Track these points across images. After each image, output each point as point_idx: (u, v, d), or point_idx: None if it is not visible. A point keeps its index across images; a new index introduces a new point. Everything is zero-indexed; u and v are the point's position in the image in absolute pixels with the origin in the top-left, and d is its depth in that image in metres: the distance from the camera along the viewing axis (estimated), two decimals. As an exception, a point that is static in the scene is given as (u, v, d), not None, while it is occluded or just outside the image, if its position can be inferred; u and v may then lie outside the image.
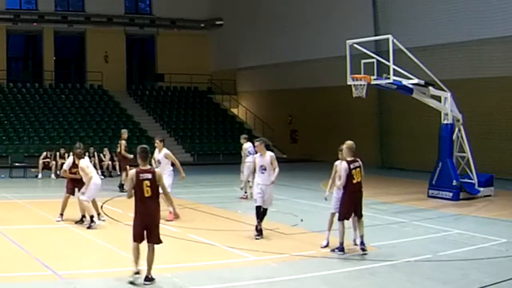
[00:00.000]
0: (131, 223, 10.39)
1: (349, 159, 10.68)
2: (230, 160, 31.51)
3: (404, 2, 27.71)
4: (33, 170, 23.76)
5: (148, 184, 8.64)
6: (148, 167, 8.86)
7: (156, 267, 9.50)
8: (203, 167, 29.17)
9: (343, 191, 10.78)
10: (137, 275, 8.74)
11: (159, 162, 14.10)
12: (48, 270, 9.26)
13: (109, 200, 17.10)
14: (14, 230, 12.38)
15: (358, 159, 10.81)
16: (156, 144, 14.39)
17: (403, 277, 9.44)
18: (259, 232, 12.06)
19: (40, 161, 23.76)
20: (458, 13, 24.84)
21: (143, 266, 8.77)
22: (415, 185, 20.94)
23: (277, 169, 12.10)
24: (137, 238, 8.77)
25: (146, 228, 8.73)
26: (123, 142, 19.57)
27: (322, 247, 11.17)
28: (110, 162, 24.76)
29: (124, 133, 20.22)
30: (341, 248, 10.76)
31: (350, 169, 10.61)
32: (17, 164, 24.58)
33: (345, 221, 10.88)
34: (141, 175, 8.68)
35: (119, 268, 9.59)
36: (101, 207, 15.81)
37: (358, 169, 10.74)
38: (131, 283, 8.63)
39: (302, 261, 10.41)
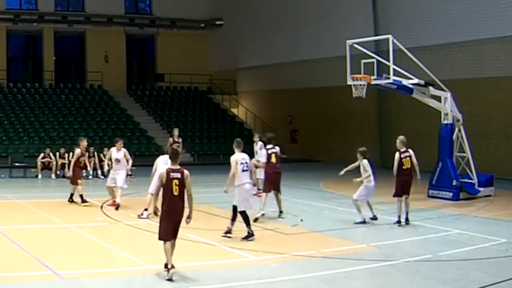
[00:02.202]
0: (131, 223, 10.40)
1: (401, 150, 13.68)
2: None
3: (404, 2, 27.70)
4: (33, 170, 23.78)
5: (177, 183, 9.00)
6: (178, 167, 9.19)
7: (157, 267, 9.52)
8: (203, 167, 29.14)
9: (396, 175, 13.71)
10: (173, 270, 8.97)
11: (117, 160, 15.85)
12: (48, 270, 9.26)
13: (109, 200, 17.10)
14: (14, 230, 12.38)
15: (409, 150, 13.72)
16: (116, 145, 16.09)
17: (403, 277, 9.44)
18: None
19: (38, 162, 23.75)
20: (458, 13, 24.83)
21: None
22: (415, 185, 20.88)
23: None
24: (168, 237, 9.07)
25: (175, 225, 9.10)
26: (170, 140, 20.61)
27: (370, 218, 13.75)
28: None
29: (175, 130, 21.24)
30: (398, 221, 13.51)
31: (401, 158, 13.61)
32: (17, 164, 24.58)
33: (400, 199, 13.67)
34: (171, 174, 9.04)
35: (119, 268, 9.60)
36: (101, 207, 15.84)
37: (408, 158, 13.67)
38: (169, 280, 8.86)
39: (302, 261, 10.41)
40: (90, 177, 23.94)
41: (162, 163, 14.36)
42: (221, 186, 18.27)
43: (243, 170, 11.94)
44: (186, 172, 9.19)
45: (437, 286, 9.01)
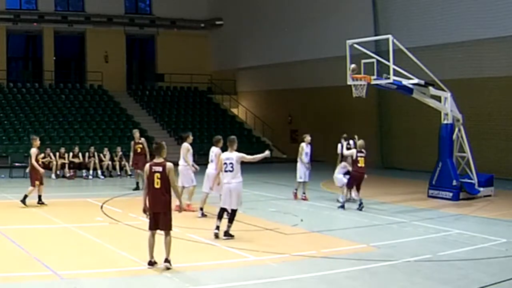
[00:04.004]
0: (131, 223, 10.42)
1: (358, 149, 15.84)
2: (230, 160, 31.42)
3: (404, 2, 27.69)
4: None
5: (159, 176, 9.36)
6: (161, 160, 9.50)
7: (156, 267, 9.52)
8: (203, 167, 29.13)
9: (352, 169, 16.03)
10: (150, 266, 9.37)
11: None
12: (48, 270, 9.25)
13: (109, 200, 17.10)
14: (14, 230, 12.37)
15: (364, 151, 15.77)
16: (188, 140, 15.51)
17: (403, 277, 9.43)
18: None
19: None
20: (458, 13, 24.84)
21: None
22: (415, 185, 20.94)
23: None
24: (150, 226, 9.47)
25: (157, 215, 9.40)
26: (132, 143, 20.62)
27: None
28: (110, 162, 24.74)
29: (135, 131, 21.15)
30: (343, 205, 15.98)
31: (357, 156, 15.70)
32: (17, 164, 24.56)
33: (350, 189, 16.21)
34: (153, 167, 9.46)
35: (119, 268, 9.60)
36: (101, 207, 15.83)
37: (362, 158, 15.66)
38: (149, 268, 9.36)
39: (302, 261, 10.41)
40: (90, 177, 23.95)
41: (214, 156, 14.37)
42: (221, 186, 18.40)
43: (225, 170, 11.93)
44: (168, 165, 9.44)
45: (437, 286, 9.01)
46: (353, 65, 17.36)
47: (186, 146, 15.49)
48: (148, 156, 19.78)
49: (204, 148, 33.19)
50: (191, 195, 15.38)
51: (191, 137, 15.61)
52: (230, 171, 11.85)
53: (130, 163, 21.34)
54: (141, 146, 20.20)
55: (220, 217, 12.02)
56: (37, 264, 9.67)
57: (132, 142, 20.75)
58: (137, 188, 19.29)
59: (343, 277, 9.43)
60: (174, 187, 9.56)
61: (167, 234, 9.44)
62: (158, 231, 9.54)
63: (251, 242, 11.74)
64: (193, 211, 14.72)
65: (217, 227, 11.95)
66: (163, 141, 10.10)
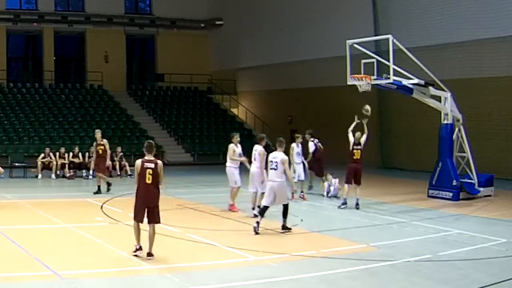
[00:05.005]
0: (132, 223, 10.42)
1: (356, 142, 16.28)
2: (230, 160, 31.42)
3: (404, 2, 27.68)
4: (33, 170, 23.76)
5: (150, 172, 10.01)
6: (152, 158, 10.16)
7: (156, 267, 9.53)
8: (203, 167, 29.16)
9: (347, 163, 16.15)
10: (139, 251, 10.03)
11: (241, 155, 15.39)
12: (48, 270, 9.25)
13: (109, 200, 17.11)
14: (14, 230, 12.37)
15: (360, 144, 16.27)
16: (233, 140, 15.29)
17: (403, 277, 9.43)
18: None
19: (39, 162, 23.75)
20: (458, 13, 24.84)
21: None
22: (415, 185, 20.94)
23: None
24: (138, 217, 10.08)
25: (147, 208, 10.01)
26: (95, 144, 19.82)
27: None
28: (110, 162, 24.67)
29: (97, 132, 20.04)
30: (344, 203, 15.98)
31: (353, 148, 16.16)
32: (17, 164, 24.56)
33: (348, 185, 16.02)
34: (145, 164, 10.09)
35: (119, 268, 9.60)
36: (101, 207, 15.84)
37: (358, 150, 16.11)
38: (135, 255, 9.99)
39: (302, 261, 10.41)
40: (90, 177, 23.94)
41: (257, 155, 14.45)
42: (221, 186, 18.48)
43: (271, 168, 12.65)
44: (159, 163, 10.16)
45: (437, 286, 9.01)
46: (367, 106, 17.43)
47: (231, 146, 15.35)
48: (108, 159, 19.57)
49: (204, 148, 33.41)
50: (234, 196, 15.36)
51: (236, 137, 15.41)
52: (275, 169, 12.57)
53: (93, 165, 20.84)
54: (102, 147, 19.23)
55: (262, 214, 12.62)
56: (37, 264, 9.67)
57: (94, 143, 19.73)
58: (98, 192, 18.52)
59: (343, 277, 9.43)
60: (161, 181, 10.17)
61: (153, 226, 10.05)
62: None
63: (251, 242, 11.74)
64: (236, 211, 15.06)
65: (257, 223, 12.44)
66: (151, 140, 10.88)
